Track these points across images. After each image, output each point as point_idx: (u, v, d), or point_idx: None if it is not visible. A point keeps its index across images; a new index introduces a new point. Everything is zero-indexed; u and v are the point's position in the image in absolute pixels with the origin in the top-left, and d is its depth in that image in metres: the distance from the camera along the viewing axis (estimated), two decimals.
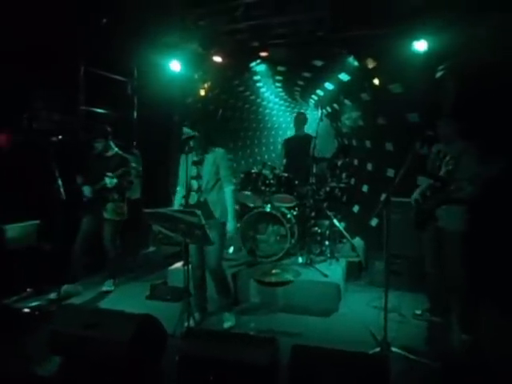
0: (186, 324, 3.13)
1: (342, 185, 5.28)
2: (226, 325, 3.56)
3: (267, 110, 9.47)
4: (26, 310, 3.73)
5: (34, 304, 3.89)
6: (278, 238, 4.73)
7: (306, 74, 6.30)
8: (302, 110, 7.16)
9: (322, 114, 4.84)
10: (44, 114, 4.69)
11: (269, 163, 5.30)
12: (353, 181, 6.32)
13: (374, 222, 5.51)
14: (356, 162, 6.56)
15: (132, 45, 5.35)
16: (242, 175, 5.16)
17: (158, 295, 4.24)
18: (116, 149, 4.46)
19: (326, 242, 4.94)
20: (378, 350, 2.97)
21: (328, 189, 5.16)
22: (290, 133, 6.28)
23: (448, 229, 3.29)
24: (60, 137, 4.00)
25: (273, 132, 10.55)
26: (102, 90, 5.31)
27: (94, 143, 4.34)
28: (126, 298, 4.29)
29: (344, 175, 5.39)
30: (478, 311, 3.41)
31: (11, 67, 4.13)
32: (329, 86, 6.14)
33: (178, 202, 3.66)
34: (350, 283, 4.63)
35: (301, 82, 6.86)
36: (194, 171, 3.51)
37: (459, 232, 3.26)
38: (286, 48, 5.23)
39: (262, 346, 2.33)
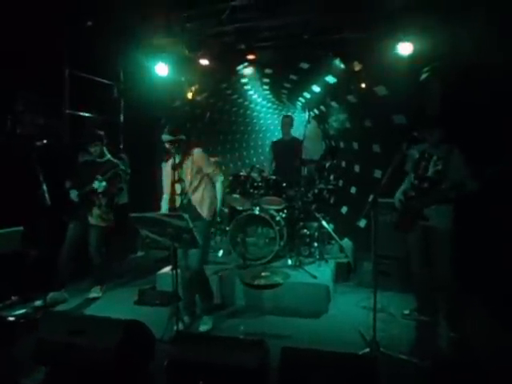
0: (174, 328, 3.11)
1: (330, 186, 5.31)
2: (202, 328, 3.54)
3: (255, 113, 9.47)
4: (11, 318, 3.64)
5: (19, 312, 3.80)
6: (267, 240, 4.73)
7: (293, 77, 6.32)
8: (289, 113, 7.18)
9: (309, 116, 4.87)
10: (28, 118, 4.60)
11: (257, 166, 5.32)
12: (341, 182, 6.36)
13: (362, 223, 5.54)
14: (344, 163, 6.61)
15: (118, 47, 5.30)
16: (230, 178, 5.16)
17: (147, 300, 4.19)
18: (109, 155, 4.41)
19: (315, 244, 4.96)
20: (367, 350, 2.98)
21: (316, 191, 5.18)
22: (278, 135, 6.28)
23: (439, 227, 3.32)
24: (44, 141, 3.94)
25: (261, 135, 10.56)
26: (87, 94, 5.24)
27: (89, 147, 4.27)
28: (114, 304, 4.23)
29: (332, 177, 5.41)
30: (465, 309, 3.46)
31: None
32: (315, 88, 6.17)
33: (164, 207, 3.70)
34: (339, 284, 4.65)
35: (288, 85, 6.88)
36: (175, 176, 3.52)
37: (450, 230, 3.31)
38: (272, 51, 5.25)
39: (251, 349, 2.32)
